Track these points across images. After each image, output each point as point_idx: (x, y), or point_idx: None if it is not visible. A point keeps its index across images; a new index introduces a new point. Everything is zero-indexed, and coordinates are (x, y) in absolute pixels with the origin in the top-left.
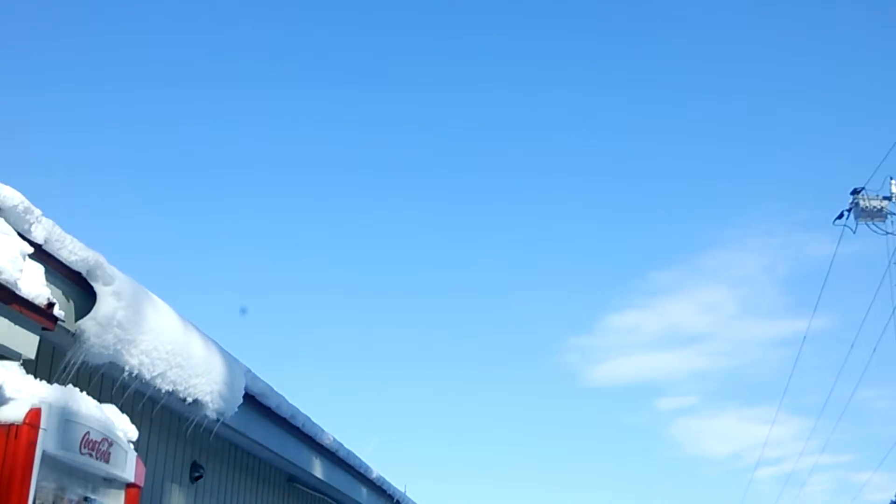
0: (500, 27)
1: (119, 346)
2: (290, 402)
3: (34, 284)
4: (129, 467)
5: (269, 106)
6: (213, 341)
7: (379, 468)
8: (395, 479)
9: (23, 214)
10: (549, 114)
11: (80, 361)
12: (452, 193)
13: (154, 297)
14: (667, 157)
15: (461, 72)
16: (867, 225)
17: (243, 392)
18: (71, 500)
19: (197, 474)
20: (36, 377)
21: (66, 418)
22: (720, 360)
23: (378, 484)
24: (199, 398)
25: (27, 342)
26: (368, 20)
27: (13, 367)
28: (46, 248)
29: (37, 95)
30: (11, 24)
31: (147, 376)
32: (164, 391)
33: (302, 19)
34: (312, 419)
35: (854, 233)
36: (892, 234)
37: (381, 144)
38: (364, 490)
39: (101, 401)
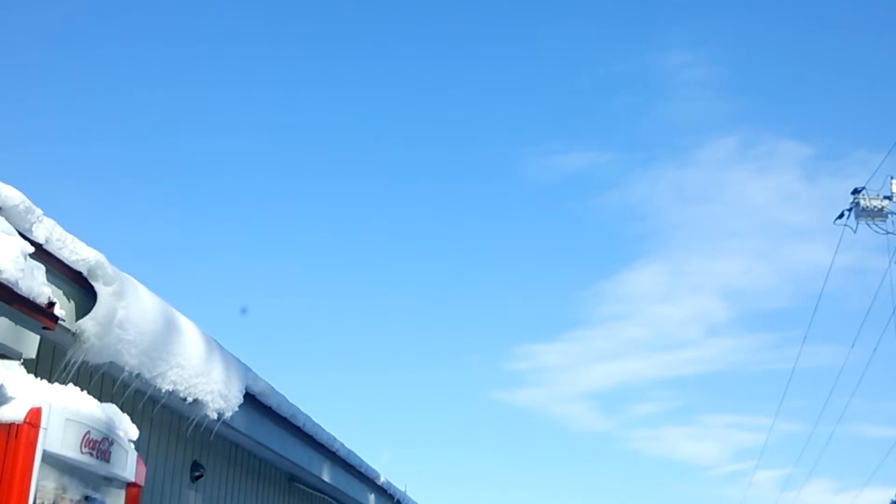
0: (497, 34)
1: (119, 346)
2: (290, 401)
3: (35, 284)
4: (129, 466)
5: (272, 113)
6: (214, 341)
7: (379, 468)
8: (396, 479)
9: (24, 214)
10: (526, 119)
11: (80, 361)
12: (451, 200)
13: (155, 297)
14: (656, 151)
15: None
16: (868, 224)
17: (244, 392)
18: (71, 500)
19: (197, 474)
20: (36, 377)
21: (67, 417)
22: (706, 366)
23: (379, 483)
24: (200, 398)
25: (28, 341)
26: (372, 28)
27: (14, 367)
28: (47, 247)
29: (42, 102)
30: (19, 31)
31: (147, 376)
32: (164, 391)
33: (308, 29)
34: (313, 419)
35: (854, 232)
36: (892, 233)
37: (364, 151)
38: (365, 490)
39: (101, 400)
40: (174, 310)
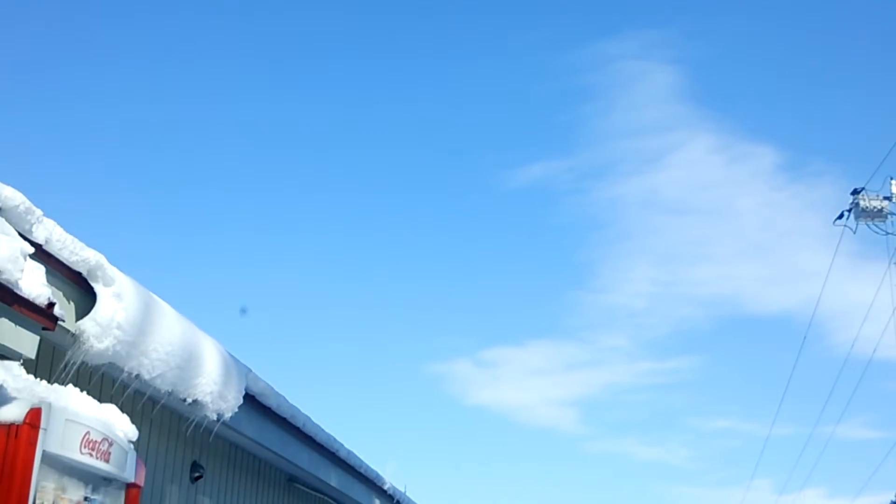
0: (454, 47)
1: (119, 347)
2: (290, 402)
3: (35, 284)
4: (129, 467)
5: (271, 115)
6: (214, 341)
7: (379, 469)
8: (396, 479)
9: (24, 215)
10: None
11: (79, 361)
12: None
13: (154, 297)
14: (620, 157)
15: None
16: (867, 225)
17: (244, 392)
18: (71, 500)
19: (197, 474)
20: (36, 377)
21: (66, 418)
22: (693, 373)
23: (379, 484)
24: (199, 398)
25: (28, 342)
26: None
27: (13, 367)
28: (47, 248)
29: (44, 106)
30: (20, 35)
31: (147, 377)
32: (163, 391)
33: (307, 32)
34: (313, 419)
35: (854, 233)
36: (892, 234)
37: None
38: (365, 490)
39: (101, 401)
40: (174, 310)
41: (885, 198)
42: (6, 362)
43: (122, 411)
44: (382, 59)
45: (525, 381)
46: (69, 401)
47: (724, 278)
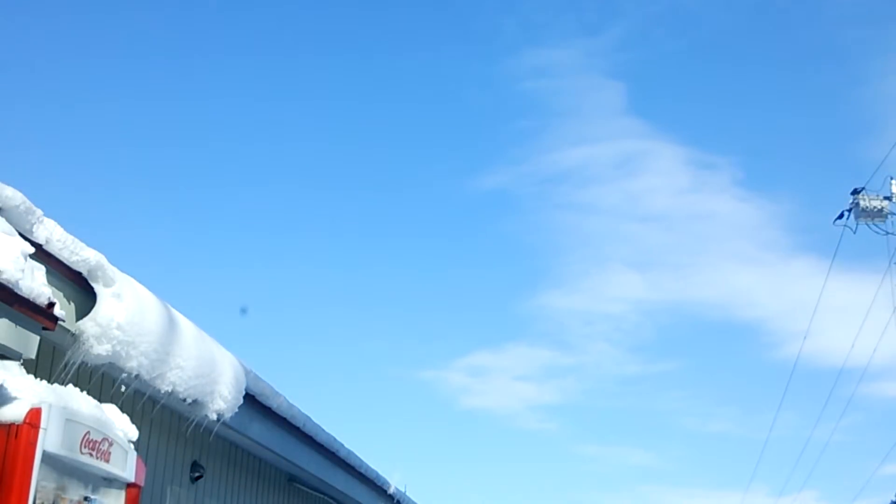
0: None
1: (119, 348)
2: (290, 402)
3: (35, 284)
4: (129, 467)
5: (269, 120)
6: (215, 341)
7: (379, 468)
8: (397, 480)
9: (24, 215)
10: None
11: (79, 361)
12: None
13: (154, 297)
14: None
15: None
16: (867, 225)
17: (244, 392)
18: (71, 500)
19: (197, 474)
20: (36, 377)
21: (67, 418)
22: (684, 377)
23: (379, 484)
24: (199, 398)
25: (28, 342)
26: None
27: (13, 367)
28: (48, 248)
29: (47, 107)
30: (25, 36)
31: (147, 377)
32: (163, 391)
33: (306, 38)
34: (313, 419)
35: (854, 233)
36: (892, 234)
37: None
38: (364, 490)
39: (101, 401)
40: (174, 310)
41: (885, 198)
42: (6, 362)
43: (122, 411)
44: (355, 57)
45: (515, 386)
46: (69, 401)
47: (701, 284)
